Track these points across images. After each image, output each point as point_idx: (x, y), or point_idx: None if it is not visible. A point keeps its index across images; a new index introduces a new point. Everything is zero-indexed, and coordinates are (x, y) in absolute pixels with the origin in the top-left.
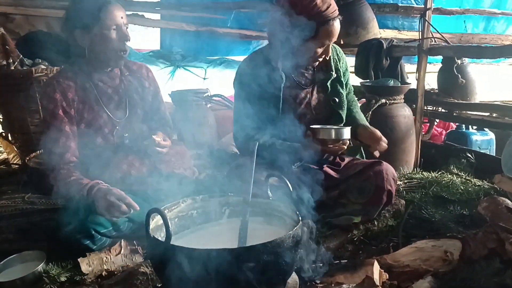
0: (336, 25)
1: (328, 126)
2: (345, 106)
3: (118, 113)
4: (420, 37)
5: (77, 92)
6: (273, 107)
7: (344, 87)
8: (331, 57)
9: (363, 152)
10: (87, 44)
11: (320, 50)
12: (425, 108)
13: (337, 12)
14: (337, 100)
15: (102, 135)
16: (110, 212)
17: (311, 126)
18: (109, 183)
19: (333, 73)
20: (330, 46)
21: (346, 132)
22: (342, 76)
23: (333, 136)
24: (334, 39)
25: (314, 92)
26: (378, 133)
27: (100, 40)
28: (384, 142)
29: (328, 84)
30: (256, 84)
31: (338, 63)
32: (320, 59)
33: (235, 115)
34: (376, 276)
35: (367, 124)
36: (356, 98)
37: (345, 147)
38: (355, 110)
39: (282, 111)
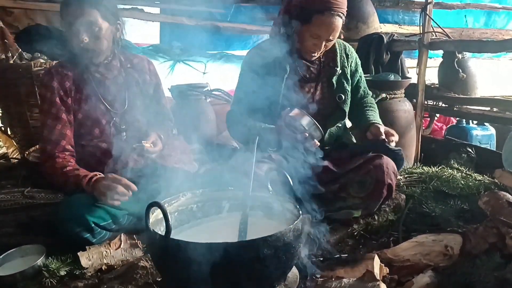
0: (333, 21)
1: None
2: (349, 103)
3: (116, 104)
4: (421, 32)
5: (75, 82)
6: (274, 97)
7: (350, 85)
8: (338, 54)
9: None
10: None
11: (313, 42)
12: (426, 102)
13: (339, 9)
14: (343, 97)
15: (99, 126)
16: (109, 197)
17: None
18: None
19: (338, 69)
20: (330, 45)
21: (317, 132)
22: (349, 73)
23: (304, 123)
24: (330, 35)
25: (319, 87)
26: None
27: (71, 42)
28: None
29: (334, 80)
30: (260, 72)
31: (346, 61)
32: (315, 54)
33: (235, 97)
34: (376, 271)
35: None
36: (373, 101)
37: (313, 145)
38: (369, 112)
39: (284, 103)
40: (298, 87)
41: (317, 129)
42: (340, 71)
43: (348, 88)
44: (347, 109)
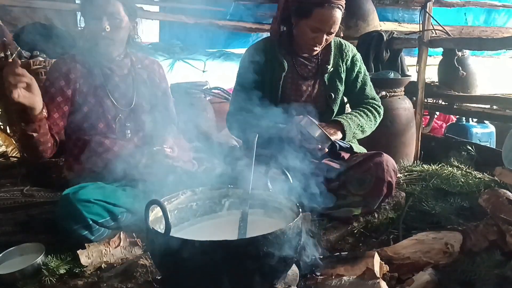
0: (333, 13)
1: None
2: (339, 102)
3: (123, 101)
4: (421, 29)
5: (83, 75)
6: (272, 94)
7: (344, 83)
8: (332, 52)
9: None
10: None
11: (313, 36)
12: (426, 100)
13: (338, 1)
14: (332, 95)
15: (104, 121)
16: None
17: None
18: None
19: (330, 67)
20: (331, 39)
21: (327, 143)
22: (344, 71)
23: (316, 135)
24: (331, 28)
25: (316, 85)
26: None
27: (85, 29)
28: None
29: (326, 78)
30: (257, 70)
31: (340, 59)
32: (316, 48)
33: (232, 96)
34: (376, 268)
35: (341, 121)
36: (371, 109)
37: (320, 152)
38: (348, 114)
39: (282, 100)
40: (296, 84)
41: (327, 140)
42: (332, 69)
43: (341, 87)
44: (335, 108)
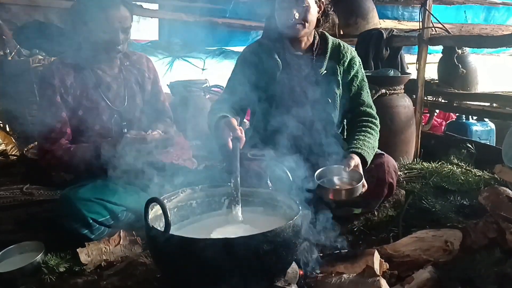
0: None
1: (337, 184)
2: (338, 109)
3: (117, 101)
4: (421, 27)
5: (76, 79)
6: (267, 94)
7: (340, 88)
8: (328, 53)
9: None
10: (85, 37)
11: (285, 12)
12: (425, 98)
13: None
14: (329, 100)
15: (100, 123)
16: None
17: (319, 183)
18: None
19: (322, 70)
20: (308, 17)
21: (357, 190)
22: (341, 74)
23: (343, 197)
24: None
25: (309, 86)
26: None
27: (93, 38)
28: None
29: (320, 81)
30: (252, 67)
31: (337, 62)
32: (298, 28)
33: (225, 88)
34: (376, 266)
35: (362, 153)
36: (371, 121)
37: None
38: (360, 135)
39: (277, 100)
40: (290, 84)
41: (358, 190)
42: (326, 72)
43: (337, 91)
44: (335, 114)
